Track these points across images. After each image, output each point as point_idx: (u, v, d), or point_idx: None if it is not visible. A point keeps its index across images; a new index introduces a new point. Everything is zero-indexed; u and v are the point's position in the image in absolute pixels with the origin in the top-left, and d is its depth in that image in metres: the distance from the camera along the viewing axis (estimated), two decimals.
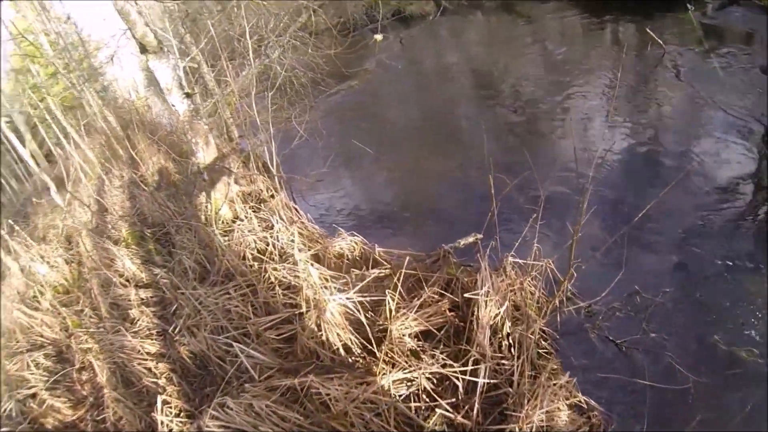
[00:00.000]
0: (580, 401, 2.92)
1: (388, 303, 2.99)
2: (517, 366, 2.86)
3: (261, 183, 6.04)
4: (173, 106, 5.47)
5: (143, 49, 5.21)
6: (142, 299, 5.03)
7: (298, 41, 9.14)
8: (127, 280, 5.54)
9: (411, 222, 5.38)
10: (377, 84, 9.47)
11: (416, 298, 3.17)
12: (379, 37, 7.47)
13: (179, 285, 4.71)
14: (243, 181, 6.15)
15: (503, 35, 11.02)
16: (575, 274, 3.29)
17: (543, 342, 3.41)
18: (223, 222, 5.60)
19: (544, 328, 3.46)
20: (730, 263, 4.16)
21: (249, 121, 6.48)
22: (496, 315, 2.97)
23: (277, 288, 3.69)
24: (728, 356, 3.43)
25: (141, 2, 5.09)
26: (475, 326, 2.92)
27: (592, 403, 2.98)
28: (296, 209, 5.29)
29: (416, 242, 4.90)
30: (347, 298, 3.17)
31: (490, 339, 2.92)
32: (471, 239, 4.07)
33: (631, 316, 3.82)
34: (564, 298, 3.42)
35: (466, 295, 3.01)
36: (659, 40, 8.36)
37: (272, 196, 5.80)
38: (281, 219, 4.78)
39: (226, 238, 4.98)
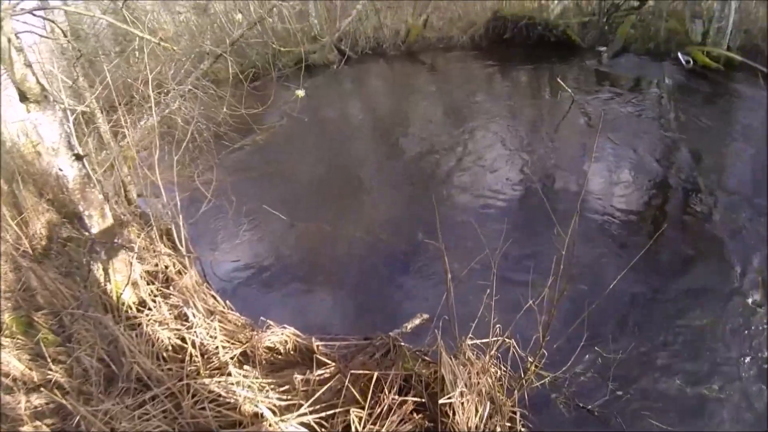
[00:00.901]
0: None
1: (354, 423, 2.54)
2: None
3: (167, 259, 5.32)
4: (61, 170, 4.54)
5: (23, 97, 4.23)
6: (36, 408, 4.11)
7: (200, 90, 8.56)
8: (14, 381, 4.55)
9: (338, 295, 4.93)
10: (283, 138, 9.00)
11: (377, 405, 2.73)
12: (300, 92, 7.01)
13: (81, 390, 3.93)
14: (147, 255, 5.40)
15: (407, 84, 11.16)
16: (546, 352, 3.04)
17: (514, 425, 3.12)
18: (127, 309, 4.83)
19: (514, 409, 3.18)
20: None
21: (149, 182, 5.75)
22: (476, 414, 2.61)
23: (206, 403, 3.08)
24: (695, 397, 3.50)
25: (22, 34, 4.20)
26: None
27: None
28: (213, 295, 4.62)
29: (349, 318, 4.54)
30: (300, 423, 2.66)
31: None
32: (418, 321, 3.73)
33: (596, 377, 3.69)
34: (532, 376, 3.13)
35: (441, 401, 2.61)
36: (567, 89, 8.85)
37: (180, 272, 5.12)
38: (196, 308, 4.14)
39: (134, 332, 4.25)
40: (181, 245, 5.02)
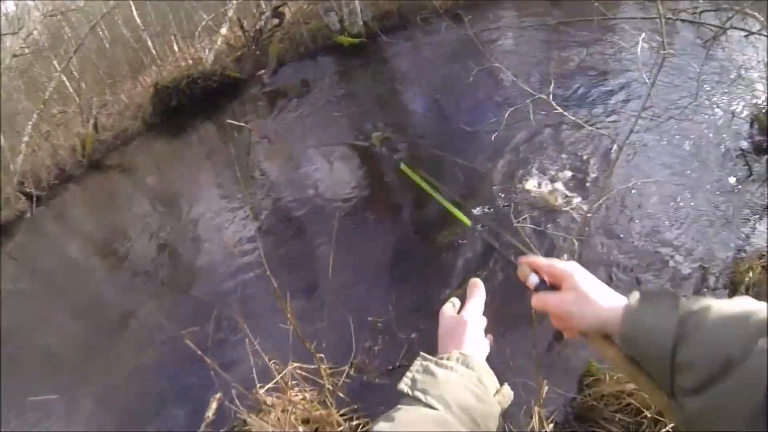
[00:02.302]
0: None
1: None
2: None
3: None
4: None
5: None
6: None
7: None
8: None
9: None
10: (13, 320, 7.40)
11: None
12: None
13: None
14: None
15: (105, 200, 10.54)
16: (323, 356, 3.42)
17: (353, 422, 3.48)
18: None
19: (341, 412, 3.51)
20: None
21: None
22: None
23: None
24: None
25: None
26: None
27: None
28: None
29: None
30: None
31: None
32: (214, 404, 3.87)
33: (386, 341, 4.25)
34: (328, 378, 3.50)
35: None
36: (240, 123, 9.40)
37: None
38: None
39: None
40: None
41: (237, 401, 3.22)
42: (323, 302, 4.52)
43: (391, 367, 3.99)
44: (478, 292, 0.95)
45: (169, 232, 7.77)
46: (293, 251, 5.91)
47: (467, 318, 0.91)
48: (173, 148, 10.98)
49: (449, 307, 0.96)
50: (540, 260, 0.92)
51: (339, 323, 4.18)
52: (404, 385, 0.78)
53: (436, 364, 0.80)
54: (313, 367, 3.61)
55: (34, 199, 11.29)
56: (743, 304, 0.70)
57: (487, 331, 0.95)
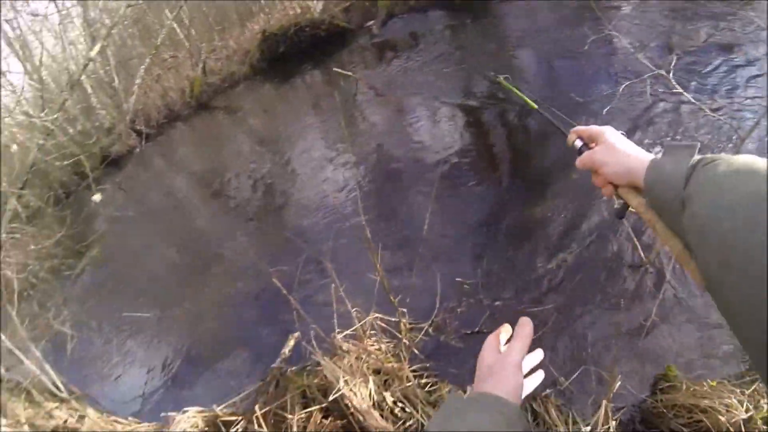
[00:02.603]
0: None
1: None
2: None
3: (60, 412, 4.98)
4: None
5: None
6: None
7: (18, 235, 8.01)
8: None
9: (223, 358, 4.93)
10: (119, 242, 8.55)
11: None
12: (97, 197, 6.78)
13: None
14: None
15: (213, 137, 11.03)
16: (405, 310, 3.39)
17: (422, 379, 3.45)
18: None
19: (413, 367, 3.50)
20: None
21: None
22: (367, 392, 2.88)
23: None
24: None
25: None
26: (360, 418, 2.79)
27: None
28: (116, 420, 4.44)
29: (241, 373, 4.61)
30: None
31: (383, 416, 2.82)
32: (292, 342, 3.94)
33: (469, 303, 4.13)
34: (406, 332, 3.48)
35: (330, 398, 2.84)
36: (347, 72, 9.33)
37: (81, 417, 4.84)
38: None
39: None
40: (61, 391, 4.76)
41: (314, 342, 3.26)
42: (413, 257, 4.48)
43: (470, 331, 3.89)
44: (525, 332, 0.93)
45: (268, 173, 8.00)
46: (389, 203, 5.85)
47: (510, 359, 0.89)
48: (279, 93, 11.22)
49: (494, 342, 0.94)
50: (583, 127, 1.06)
51: (426, 280, 4.14)
52: (434, 427, 0.78)
53: (468, 403, 0.80)
54: (393, 320, 3.60)
55: (144, 135, 12.17)
56: (755, 159, 0.67)
57: (539, 365, 0.96)
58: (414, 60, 9.20)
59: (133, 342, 5.83)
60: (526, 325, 0.94)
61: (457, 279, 4.30)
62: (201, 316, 5.65)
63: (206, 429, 3.59)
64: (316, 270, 5.09)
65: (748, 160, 0.68)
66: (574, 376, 3.31)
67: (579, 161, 1.02)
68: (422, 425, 2.83)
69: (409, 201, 5.71)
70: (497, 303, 4.05)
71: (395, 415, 2.86)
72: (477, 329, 3.87)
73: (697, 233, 0.69)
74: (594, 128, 1.02)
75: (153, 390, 5.05)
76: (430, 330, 3.80)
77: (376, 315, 3.44)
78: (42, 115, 9.28)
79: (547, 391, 3.19)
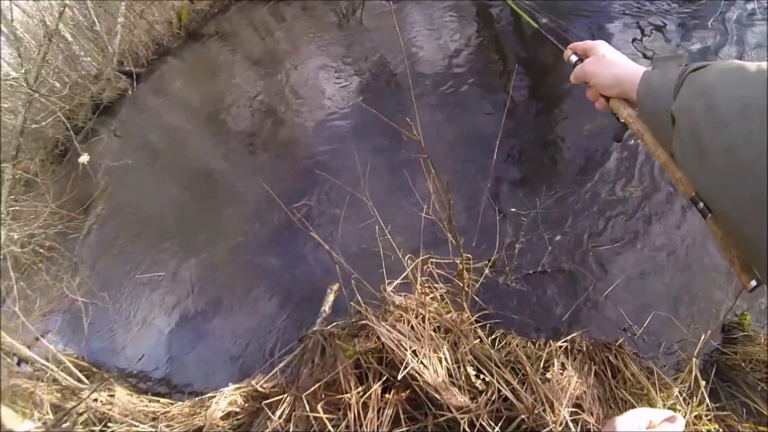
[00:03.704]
0: None
1: None
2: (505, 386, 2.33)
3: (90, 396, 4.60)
4: None
5: None
6: None
7: (18, 206, 7.52)
8: None
9: (251, 317, 4.39)
10: (123, 194, 7.91)
11: (348, 410, 2.41)
12: (83, 158, 6.17)
13: None
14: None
15: (208, 67, 10.13)
16: (470, 257, 2.81)
17: (487, 333, 2.93)
18: None
19: (473, 319, 2.97)
20: None
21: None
22: (441, 364, 2.36)
23: None
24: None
25: None
26: (435, 395, 2.29)
27: None
28: (152, 399, 4.01)
29: (274, 333, 4.08)
30: None
31: (460, 390, 2.32)
32: (331, 296, 3.39)
33: (529, 240, 3.54)
34: (467, 275, 2.89)
35: (400, 376, 2.29)
36: None
37: (111, 395, 4.47)
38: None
39: None
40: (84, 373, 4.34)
41: (359, 299, 2.72)
42: (457, 184, 3.88)
43: (532, 271, 3.34)
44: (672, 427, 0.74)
45: (274, 99, 7.28)
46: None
47: None
48: (273, 12, 10.17)
49: (630, 424, 0.74)
50: (578, 44, 1.09)
51: (473, 212, 3.54)
52: None
53: None
54: (446, 261, 3.01)
55: (134, 76, 11.25)
56: (742, 63, 0.65)
57: None
58: None
59: (150, 307, 5.32)
60: (677, 423, 0.75)
61: (512, 209, 3.69)
62: (219, 268, 5.11)
63: (246, 405, 3.15)
64: (346, 203, 4.44)
65: (734, 64, 0.66)
66: (646, 323, 2.88)
67: (572, 75, 1.06)
68: (500, 393, 2.31)
69: (436, 119, 4.99)
70: (558, 237, 3.46)
71: (475, 387, 2.34)
72: (539, 269, 3.32)
73: (689, 146, 0.67)
74: (588, 42, 1.05)
75: (178, 361, 4.55)
76: (488, 271, 3.23)
77: (430, 256, 2.86)
78: (23, 71, 8.50)
79: (621, 339, 2.71)
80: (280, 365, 3.09)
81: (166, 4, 12.85)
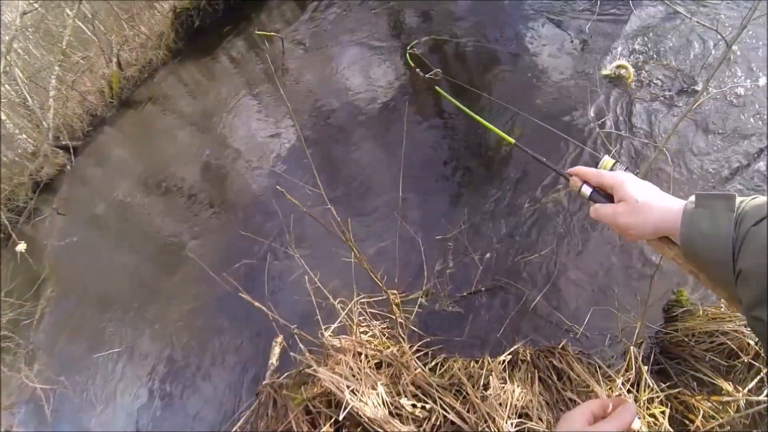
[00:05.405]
0: None
1: None
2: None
3: None
4: None
5: None
6: None
7: None
8: None
9: (204, 380, 4.49)
10: (72, 272, 7.75)
11: None
12: (20, 247, 6.13)
13: None
14: None
15: (146, 135, 10.14)
16: (396, 292, 3.01)
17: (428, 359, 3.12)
18: None
19: (415, 347, 3.16)
20: None
21: None
22: (377, 397, 2.52)
23: None
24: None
25: None
26: (379, 429, 2.44)
27: None
28: None
29: (227, 396, 4.17)
30: None
31: (405, 420, 2.48)
32: (277, 349, 3.55)
33: (461, 264, 3.77)
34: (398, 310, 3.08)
35: (341, 417, 2.44)
36: (269, 33, 8.65)
37: None
38: None
39: None
40: None
41: (302, 347, 2.87)
42: (382, 221, 4.09)
43: (466, 293, 3.57)
44: (624, 419, 0.78)
45: (211, 157, 7.39)
46: (340, 168, 5.35)
47: None
48: (203, 70, 10.30)
49: (586, 413, 0.80)
50: (588, 171, 0.95)
51: (402, 245, 3.71)
52: None
53: None
54: (380, 298, 3.21)
55: (72, 150, 11.10)
56: None
57: None
58: (337, 6, 8.49)
59: (112, 382, 5.25)
60: (628, 412, 0.79)
61: (437, 237, 3.93)
62: (174, 334, 5.13)
63: None
64: (284, 257, 4.62)
65: None
66: (586, 320, 3.11)
67: (594, 214, 0.93)
68: (444, 416, 2.50)
69: (361, 160, 5.25)
70: (487, 255, 3.71)
71: (416, 415, 2.52)
72: (473, 289, 3.55)
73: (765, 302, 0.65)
74: (605, 177, 0.92)
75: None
76: (423, 300, 3.44)
77: (361, 297, 3.05)
78: None
79: (563, 341, 2.91)
80: (240, 423, 3.19)
81: (96, 73, 12.82)
